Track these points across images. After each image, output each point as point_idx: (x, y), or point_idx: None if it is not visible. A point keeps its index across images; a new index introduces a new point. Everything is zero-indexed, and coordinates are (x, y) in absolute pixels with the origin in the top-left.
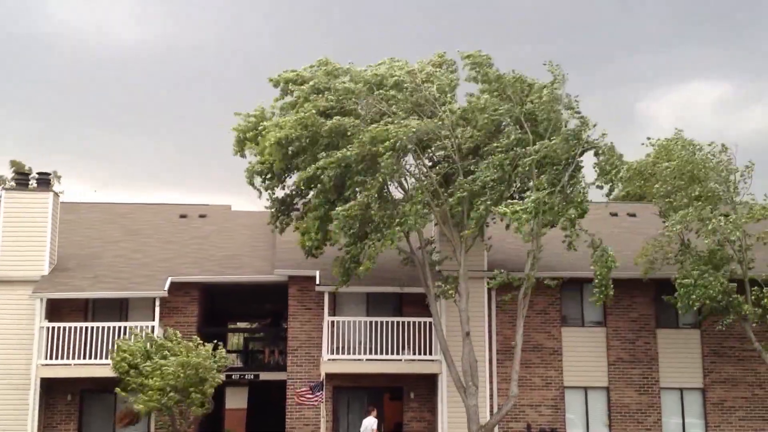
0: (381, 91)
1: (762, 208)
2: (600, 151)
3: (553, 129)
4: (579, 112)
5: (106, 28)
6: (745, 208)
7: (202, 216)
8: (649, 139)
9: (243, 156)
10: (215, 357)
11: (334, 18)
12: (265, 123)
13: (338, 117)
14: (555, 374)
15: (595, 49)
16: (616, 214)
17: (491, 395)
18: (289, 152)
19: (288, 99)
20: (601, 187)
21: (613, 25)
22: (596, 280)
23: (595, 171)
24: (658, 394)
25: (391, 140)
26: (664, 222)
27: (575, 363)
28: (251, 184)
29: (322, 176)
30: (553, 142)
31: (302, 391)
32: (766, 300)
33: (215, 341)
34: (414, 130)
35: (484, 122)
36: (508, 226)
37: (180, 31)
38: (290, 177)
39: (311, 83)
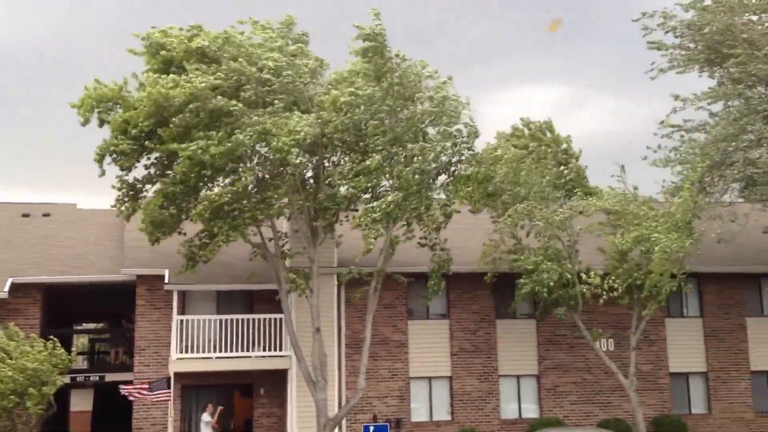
0: (268, 76)
1: (594, 202)
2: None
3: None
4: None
5: None
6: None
7: (45, 215)
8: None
9: (87, 123)
10: (56, 359)
11: None
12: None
13: (222, 98)
14: (401, 366)
15: (440, 58)
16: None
17: (340, 389)
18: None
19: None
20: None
21: (456, 34)
22: (432, 278)
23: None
24: (497, 381)
25: (299, 139)
26: (494, 221)
27: (420, 354)
28: (99, 161)
29: (205, 158)
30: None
31: (133, 387)
32: (591, 287)
33: (53, 342)
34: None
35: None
36: (359, 225)
37: (26, 25)
38: (149, 157)
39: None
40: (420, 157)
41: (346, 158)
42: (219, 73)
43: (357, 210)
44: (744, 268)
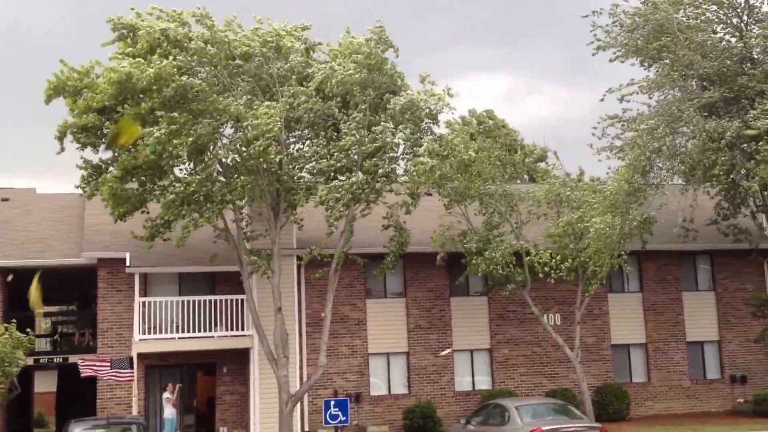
0: (237, 62)
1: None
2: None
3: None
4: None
5: None
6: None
7: (4, 200)
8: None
9: (49, 102)
10: (15, 341)
11: None
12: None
13: (187, 78)
14: (360, 343)
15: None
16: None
17: (301, 366)
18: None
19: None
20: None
21: (405, 30)
22: (389, 256)
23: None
24: (452, 355)
25: (273, 126)
26: (444, 203)
27: (378, 331)
28: (60, 139)
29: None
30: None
31: (92, 362)
32: (537, 265)
33: (12, 324)
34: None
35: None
36: (322, 203)
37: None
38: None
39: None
40: (383, 137)
41: (315, 140)
42: (185, 55)
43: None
44: (680, 246)
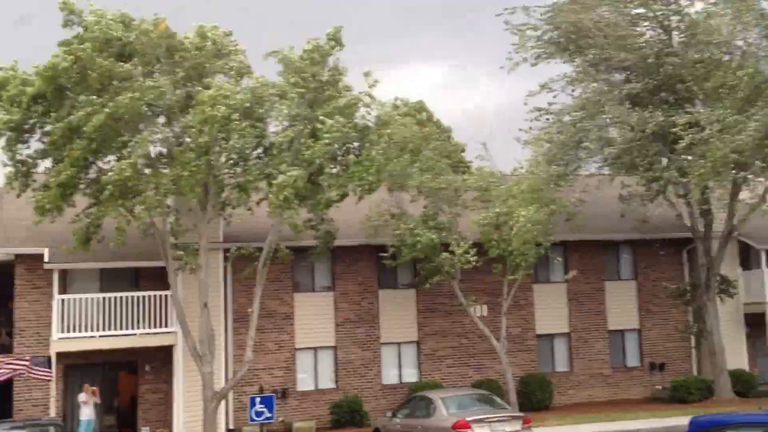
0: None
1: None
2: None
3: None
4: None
5: None
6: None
7: None
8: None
9: None
10: None
11: None
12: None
13: (110, 60)
14: (287, 338)
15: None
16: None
17: (227, 362)
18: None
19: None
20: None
21: (342, 18)
22: (318, 249)
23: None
24: (379, 349)
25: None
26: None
27: (306, 326)
28: None
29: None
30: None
31: (11, 360)
32: (461, 252)
33: None
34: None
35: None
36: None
37: None
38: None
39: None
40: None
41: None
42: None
43: (246, 189)
44: (603, 235)
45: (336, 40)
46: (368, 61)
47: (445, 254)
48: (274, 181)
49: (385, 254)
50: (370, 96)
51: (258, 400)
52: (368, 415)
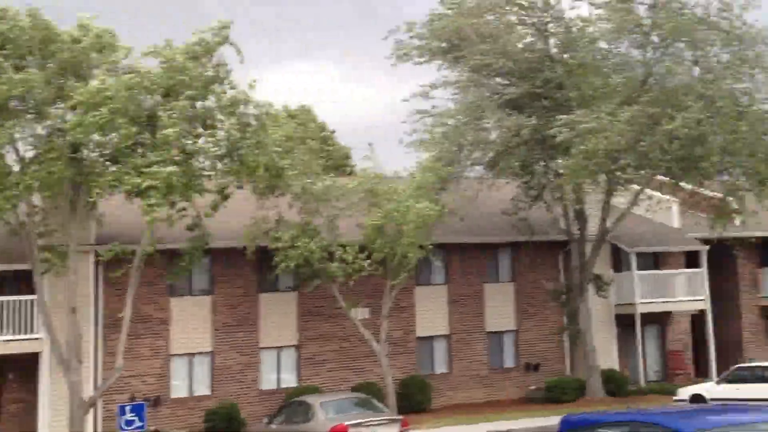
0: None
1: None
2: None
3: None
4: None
5: None
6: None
7: None
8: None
9: None
10: None
11: None
12: None
13: None
14: (162, 343)
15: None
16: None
17: (96, 370)
18: None
19: None
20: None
21: (237, 13)
22: (187, 255)
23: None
24: (258, 354)
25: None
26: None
27: (182, 331)
28: None
29: None
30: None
31: None
32: (350, 259)
33: None
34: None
35: None
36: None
37: None
38: None
39: None
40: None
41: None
42: None
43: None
44: (483, 238)
45: (223, 36)
46: (253, 60)
47: (335, 264)
48: (147, 176)
49: (276, 259)
50: (247, 94)
51: (128, 408)
52: (245, 422)
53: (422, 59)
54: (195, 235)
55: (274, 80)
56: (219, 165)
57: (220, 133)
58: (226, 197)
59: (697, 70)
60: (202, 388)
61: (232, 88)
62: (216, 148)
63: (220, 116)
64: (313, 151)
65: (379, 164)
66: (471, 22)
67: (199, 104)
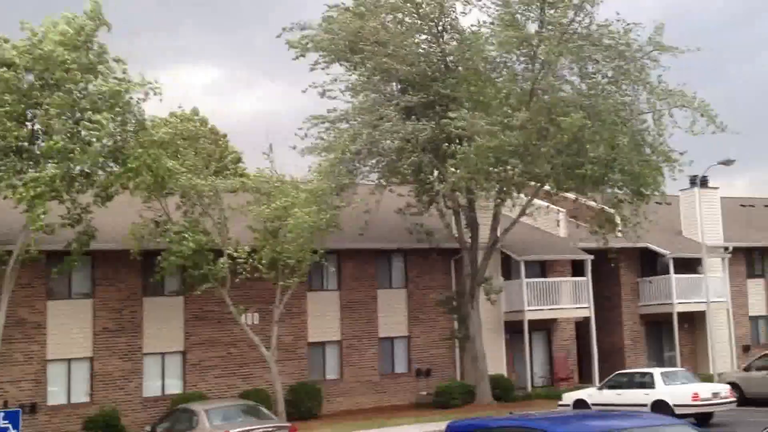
0: None
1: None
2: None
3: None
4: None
5: None
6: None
7: None
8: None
9: None
10: None
11: None
12: None
13: None
14: (38, 348)
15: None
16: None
17: None
18: None
19: None
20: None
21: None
22: (71, 256)
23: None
24: (141, 359)
25: None
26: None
27: (60, 335)
28: None
29: None
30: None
31: None
32: (237, 263)
33: None
34: None
35: None
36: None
37: None
38: None
39: None
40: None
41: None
42: None
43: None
44: (377, 244)
45: (98, 19)
46: (143, 58)
47: (222, 260)
48: (27, 177)
49: (157, 259)
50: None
51: (2, 415)
52: (126, 430)
53: (323, 61)
54: (79, 230)
55: (166, 81)
56: (101, 162)
57: (104, 130)
58: (110, 197)
59: (583, 85)
60: (81, 395)
61: (116, 79)
62: (98, 144)
63: (102, 112)
64: (201, 152)
65: (274, 167)
66: (371, 25)
67: (78, 94)
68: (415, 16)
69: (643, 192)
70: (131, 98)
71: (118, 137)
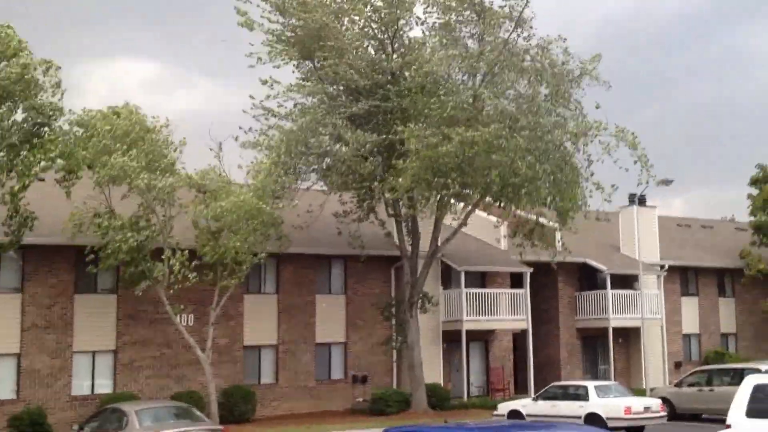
0: None
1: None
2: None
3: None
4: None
5: None
6: (180, 179)
7: None
8: (84, 109)
9: None
10: None
11: None
12: None
13: None
14: None
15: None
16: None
17: None
18: None
19: None
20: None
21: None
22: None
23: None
24: (71, 358)
25: None
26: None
27: None
28: None
29: None
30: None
31: None
32: (177, 264)
33: None
34: None
35: None
36: None
37: None
38: None
39: None
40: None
41: None
42: None
43: None
44: (317, 249)
45: None
46: (74, 50)
47: (159, 264)
48: None
49: (90, 256)
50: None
51: None
52: (52, 428)
53: (271, 50)
54: (14, 221)
55: (104, 76)
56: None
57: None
58: (24, 187)
59: (521, 100)
60: (7, 392)
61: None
62: (11, 130)
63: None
64: (152, 144)
65: (221, 165)
66: (332, 26)
67: None
68: (370, 20)
69: (564, 208)
70: (41, 81)
71: (29, 122)
